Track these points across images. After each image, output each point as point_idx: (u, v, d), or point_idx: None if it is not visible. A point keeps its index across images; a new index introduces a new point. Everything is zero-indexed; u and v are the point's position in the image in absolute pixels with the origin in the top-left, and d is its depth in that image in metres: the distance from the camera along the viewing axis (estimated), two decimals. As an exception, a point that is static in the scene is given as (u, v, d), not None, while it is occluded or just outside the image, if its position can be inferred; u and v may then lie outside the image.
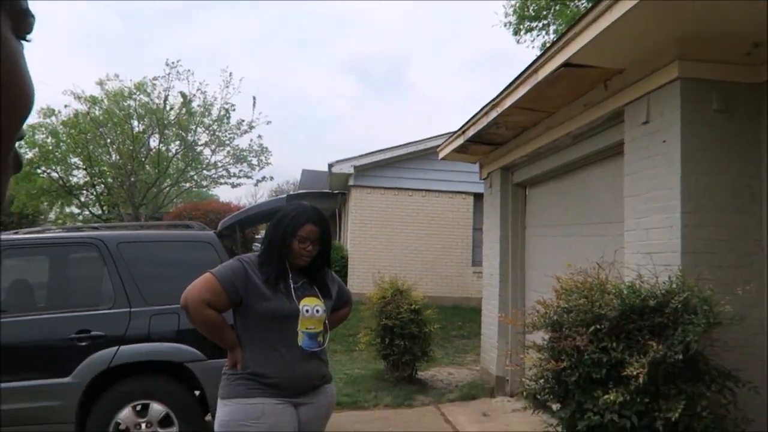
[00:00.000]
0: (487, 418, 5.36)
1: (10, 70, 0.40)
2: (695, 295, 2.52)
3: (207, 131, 18.29)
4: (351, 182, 12.71)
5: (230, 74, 19.67)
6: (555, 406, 2.93)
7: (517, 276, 6.18)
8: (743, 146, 3.16)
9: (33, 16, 0.43)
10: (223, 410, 2.17)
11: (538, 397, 2.94)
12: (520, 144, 5.60)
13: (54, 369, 3.78)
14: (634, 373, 2.32)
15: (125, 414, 3.87)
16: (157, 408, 3.92)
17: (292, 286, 2.26)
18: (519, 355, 3.98)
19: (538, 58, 3.99)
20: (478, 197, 11.52)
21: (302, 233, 2.26)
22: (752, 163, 3.15)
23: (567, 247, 5.00)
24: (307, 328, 2.25)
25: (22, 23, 0.42)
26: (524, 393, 3.03)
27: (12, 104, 0.40)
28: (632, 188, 3.57)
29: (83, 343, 3.83)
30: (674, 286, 2.64)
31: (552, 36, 16.38)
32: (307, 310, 2.25)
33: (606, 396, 2.40)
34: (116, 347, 3.86)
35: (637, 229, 3.46)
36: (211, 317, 2.19)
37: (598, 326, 2.58)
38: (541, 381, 2.86)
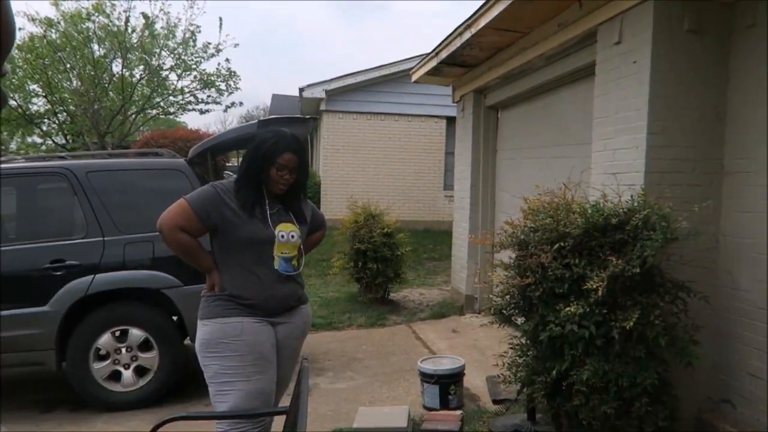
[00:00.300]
0: (456, 334, 5.62)
1: None
2: (655, 213, 2.63)
3: (172, 55, 17.49)
4: (323, 107, 12.50)
5: (193, -6, 18.61)
6: (519, 320, 3.08)
7: (487, 199, 6.29)
8: (712, 67, 3.19)
9: None
10: (203, 330, 2.24)
11: (504, 312, 3.09)
12: (494, 66, 5.54)
13: (32, 298, 3.80)
14: (594, 286, 2.45)
15: (105, 339, 3.95)
16: (136, 333, 4.00)
17: (268, 212, 2.29)
18: (487, 273, 4.13)
19: (513, -25, 3.88)
20: (450, 121, 11.48)
21: (281, 161, 2.26)
22: (719, 84, 3.20)
23: (537, 170, 5.08)
24: (282, 253, 2.30)
25: None
26: (491, 309, 3.17)
27: None
28: (602, 110, 3.61)
29: (59, 273, 3.83)
30: (636, 204, 2.73)
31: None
32: (282, 236, 2.29)
33: (567, 309, 2.53)
34: (92, 276, 3.88)
35: (604, 150, 3.53)
36: (184, 241, 2.23)
37: (562, 244, 2.68)
38: (507, 297, 2.99)
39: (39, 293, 3.81)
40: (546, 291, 2.72)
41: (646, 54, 3.16)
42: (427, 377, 3.79)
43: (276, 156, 2.26)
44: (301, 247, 2.39)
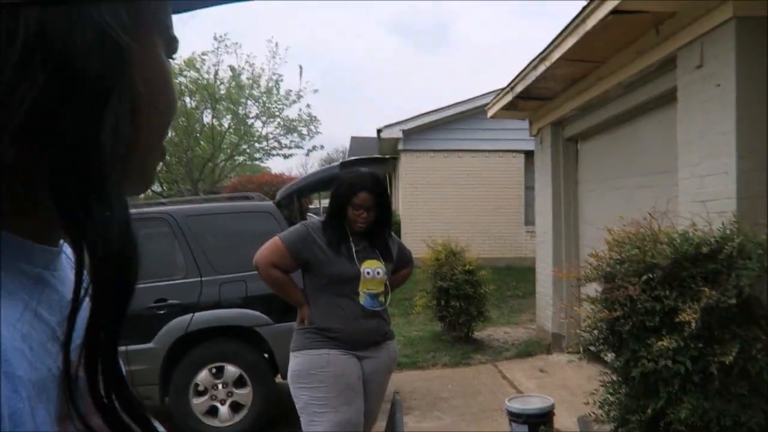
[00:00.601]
0: (544, 374, 5.45)
1: (165, 85, 0.51)
2: (750, 240, 2.50)
3: (257, 103, 18.62)
4: (400, 146, 12.73)
5: (276, 44, 19.80)
6: (609, 356, 2.98)
7: (570, 232, 6.15)
8: (802, 85, 3.04)
9: (178, 41, 0.53)
10: (294, 361, 2.38)
11: (593, 348, 3.00)
12: (570, 97, 5.51)
13: (139, 336, 4.12)
14: (687, 319, 2.35)
15: (203, 376, 4.19)
16: (231, 370, 4.21)
17: (353, 249, 2.40)
18: (574, 308, 4.02)
19: (586, 6, 3.90)
20: (529, 155, 11.34)
21: (356, 201, 2.38)
22: (812, 103, 3.03)
23: (620, 200, 4.94)
24: (368, 289, 2.40)
25: (172, 47, 0.52)
26: (579, 344, 3.09)
27: (166, 110, 0.51)
28: (686, 136, 3.50)
29: (162, 311, 4.14)
30: (728, 231, 2.61)
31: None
32: (368, 273, 2.39)
33: (660, 343, 2.43)
34: (191, 314, 4.15)
35: (691, 177, 3.41)
36: (276, 276, 2.39)
37: (650, 275, 2.60)
38: (595, 332, 2.91)
39: (145, 331, 4.11)
40: (636, 325, 2.63)
41: (730, 76, 3.07)
42: (515, 417, 3.70)
43: (351, 196, 2.37)
44: (387, 283, 2.47)
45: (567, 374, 5.21)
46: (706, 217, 2.89)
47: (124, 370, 0.51)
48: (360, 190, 2.38)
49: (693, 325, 2.33)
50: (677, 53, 3.60)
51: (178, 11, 0.57)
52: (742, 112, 3.01)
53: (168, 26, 0.52)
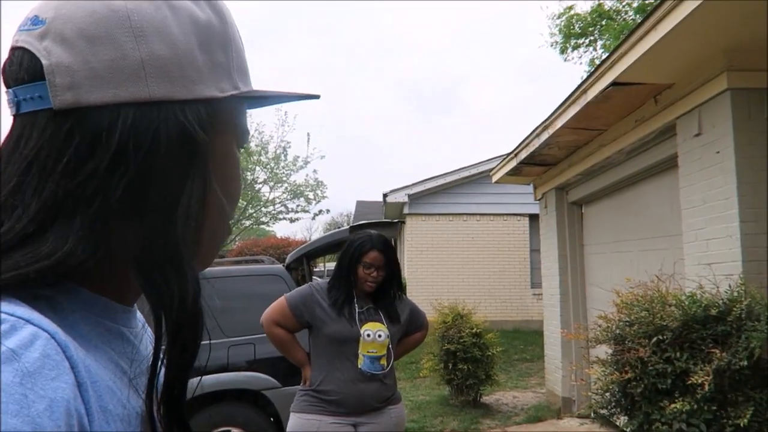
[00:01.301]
0: (557, 440, 5.31)
1: (234, 174, 0.58)
2: (758, 302, 2.53)
3: (264, 169, 19.00)
4: (406, 210, 12.89)
5: (285, 113, 20.46)
6: (621, 420, 2.95)
7: (577, 294, 6.15)
8: (800, 152, 3.15)
9: (249, 133, 0.61)
10: (290, 422, 2.39)
11: (604, 411, 2.97)
12: (573, 163, 5.65)
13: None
14: (700, 381, 2.35)
15: (209, 439, 4.11)
16: (237, 434, 4.14)
17: (357, 310, 2.40)
18: (584, 370, 3.99)
19: (587, 78, 4.09)
20: (533, 218, 11.48)
21: (366, 260, 2.42)
22: (811, 168, 3.13)
23: (626, 263, 4.98)
24: (368, 352, 2.37)
25: (242, 139, 0.60)
26: (591, 407, 3.06)
27: (234, 196, 0.59)
28: (689, 201, 3.59)
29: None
30: (735, 294, 2.65)
31: (600, 51, 16.26)
32: (368, 335, 2.37)
33: (673, 405, 2.43)
34: (199, 377, 4.11)
35: (696, 241, 3.47)
36: (279, 335, 2.43)
37: (660, 337, 2.62)
38: (607, 394, 2.90)
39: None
40: (648, 387, 2.62)
41: (728, 144, 3.19)
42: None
43: (362, 255, 2.41)
44: (390, 346, 2.42)
45: (579, 442, 5.07)
46: (713, 280, 2.93)
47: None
48: (370, 249, 2.42)
49: (706, 387, 2.33)
50: (676, 122, 3.74)
51: (250, 108, 0.67)
52: (742, 177, 3.10)
53: (241, 122, 0.59)
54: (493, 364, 6.61)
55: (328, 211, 22.14)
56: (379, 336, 2.40)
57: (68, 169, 0.46)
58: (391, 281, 2.53)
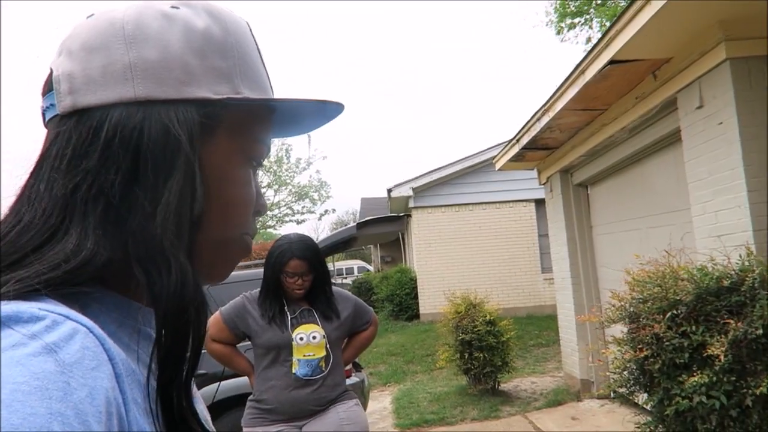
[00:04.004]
0: (576, 422, 5.32)
1: (230, 181, 0.58)
2: (769, 271, 2.53)
3: (268, 173, 19.06)
4: (411, 204, 12.89)
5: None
6: (641, 397, 2.95)
7: (589, 276, 6.14)
8: (804, 116, 3.13)
9: (268, 150, 0.62)
10: None
11: (624, 390, 2.97)
12: (576, 145, 5.64)
13: None
14: (717, 352, 2.35)
15: (231, 443, 4.14)
16: (258, 435, 4.17)
17: (288, 316, 2.36)
18: (600, 351, 3.99)
19: (584, 58, 4.07)
20: (540, 203, 11.44)
21: (288, 269, 2.35)
22: (815, 133, 3.12)
23: (636, 241, 4.97)
24: (304, 355, 2.33)
25: (256, 153, 0.61)
26: (610, 387, 3.06)
27: (233, 205, 0.58)
28: (695, 174, 3.58)
29: (188, 381, 4.14)
30: (747, 264, 2.65)
31: (596, 30, 16.17)
32: (301, 338, 2.33)
33: (692, 379, 2.43)
34: (217, 383, 4.15)
35: (704, 214, 3.46)
36: (216, 350, 2.43)
37: (675, 312, 2.61)
38: (625, 373, 2.90)
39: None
40: (665, 362, 2.62)
41: (731, 114, 3.17)
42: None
43: (283, 265, 2.35)
44: (328, 346, 2.37)
45: (600, 420, 5.08)
46: (724, 251, 2.93)
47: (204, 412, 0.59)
48: (290, 259, 2.34)
49: (723, 358, 2.33)
50: (677, 96, 3.72)
51: (282, 135, 0.68)
52: (747, 147, 3.09)
53: (253, 132, 0.59)
54: (509, 350, 6.62)
55: (333, 210, 22.29)
56: (314, 337, 2.35)
57: (69, 167, 0.50)
58: (322, 282, 2.45)
